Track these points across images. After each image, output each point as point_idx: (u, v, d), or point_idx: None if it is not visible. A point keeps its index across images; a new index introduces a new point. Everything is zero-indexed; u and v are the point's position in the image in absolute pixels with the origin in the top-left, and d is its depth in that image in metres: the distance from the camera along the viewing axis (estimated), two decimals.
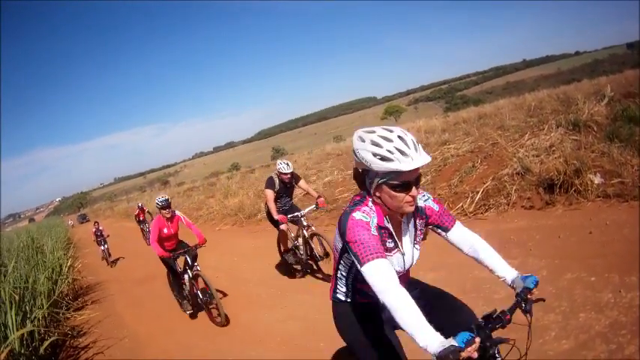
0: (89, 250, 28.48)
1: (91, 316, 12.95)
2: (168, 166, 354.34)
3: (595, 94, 16.93)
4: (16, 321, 9.40)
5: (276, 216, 10.80)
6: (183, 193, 50.51)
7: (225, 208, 26.21)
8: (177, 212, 11.22)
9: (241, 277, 12.77)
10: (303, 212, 11.10)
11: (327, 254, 10.65)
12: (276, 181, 11.13)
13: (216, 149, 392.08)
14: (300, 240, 11.22)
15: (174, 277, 11.02)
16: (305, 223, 11.02)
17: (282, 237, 11.69)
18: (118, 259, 23.13)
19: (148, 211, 28.43)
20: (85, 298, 15.52)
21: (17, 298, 10.34)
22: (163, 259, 10.57)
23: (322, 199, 11.39)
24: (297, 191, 13.27)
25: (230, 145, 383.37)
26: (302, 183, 11.73)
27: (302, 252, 11.24)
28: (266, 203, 11.48)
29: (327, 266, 10.75)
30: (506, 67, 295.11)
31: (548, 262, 7.57)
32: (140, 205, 28.35)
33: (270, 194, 11.10)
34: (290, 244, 11.74)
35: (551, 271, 7.17)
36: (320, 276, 11.07)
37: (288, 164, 11.15)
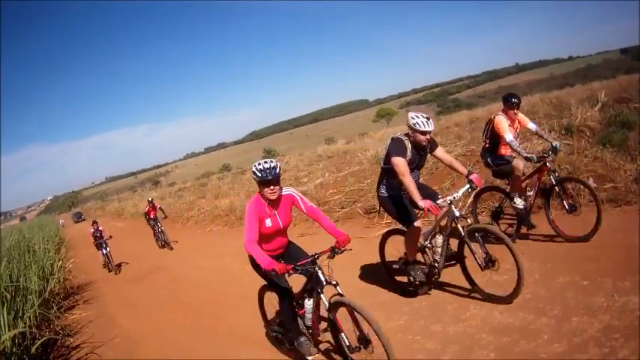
0: (80, 249, 28.45)
1: (83, 315, 12.95)
2: (160, 166, 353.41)
3: (588, 99, 17.02)
4: (7, 320, 9.39)
5: (420, 201, 6.88)
6: (175, 194, 50.48)
7: (216, 208, 26.22)
8: (289, 189, 6.81)
9: (233, 278, 12.69)
10: (456, 195, 7.34)
11: (492, 261, 7.12)
12: (408, 145, 7.41)
13: (208, 150, 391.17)
14: (440, 239, 7.66)
15: (288, 304, 6.86)
16: (457, 213, 7.24)
17: (414, 237, 7.90)
18: (121, 265, 20.13)
19: (160, 208, 23.77)
20: (76, 297, 15.48)
21: (9, 297, 10.32)
22: (267, 274, 6.33)
23: (476, 175, 7.63)
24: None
25: (221, 146, 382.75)
26: (440, 151, 7.87)
27: (437, 257, 7.71)
28: (383, 181, 8.03)
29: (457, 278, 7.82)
30: (498, 71, 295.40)
31: (540, 266, 7.58)
32: (150, 200, 24.08)
33: (402, 164, 7.22)
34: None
35: (543, 275, 7.19)
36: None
37: (428, 119, 7.35)
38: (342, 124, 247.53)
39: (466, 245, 7.26)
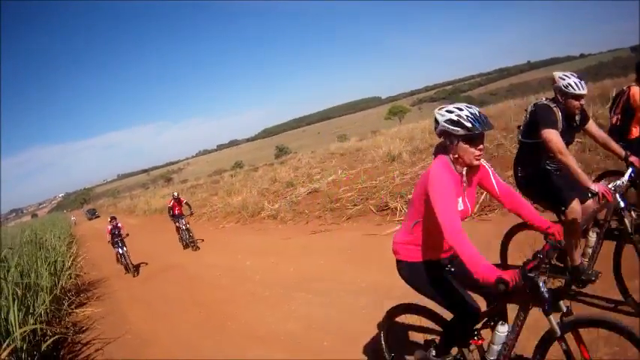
0: (92, 246, 28.50)
1: (94, 312, 12.96)
2: (172, 164, 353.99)
3: (600, 96, 16.94)
4: (18, 317, 9.39)
5: (591, 184, 5.47)
6: (187, 190, 50.59)
7: (229, 205, 26.25)
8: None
9: (244, 276, 12.68)
10: (621, 181, 5.84)
11: None
12: (558, 114, 5.86)
13: (220, 147, 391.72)
14: (594, 237, 6.07)
15: (463, 333, 4.54)
16: (623, 203, 5.74)
17: (574, 229, 5.92)
18: (139, 266, 18.54)
19: (187, 203, 21.73)
20: (87, 294, 15.48)
21: (20, 293, 10.33)
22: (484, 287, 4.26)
23: (635, 157, 6.12)
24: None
25: (234, 144, 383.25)
26: (593, 125, 6.42)
27: (586, 260, 6.15)
28: (526, 160, 6.38)
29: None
30: (510, 69, 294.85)
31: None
32: (176, 195, 21.70)
33: (557, 139, 5.69)
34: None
35: None
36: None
37: (581, 79, 5.94)
38: (354, 121, 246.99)
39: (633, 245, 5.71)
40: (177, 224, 20.74)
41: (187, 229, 20.13)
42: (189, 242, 19.93)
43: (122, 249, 18.34)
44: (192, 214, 22.18)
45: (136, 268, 18.17)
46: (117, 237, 18.68)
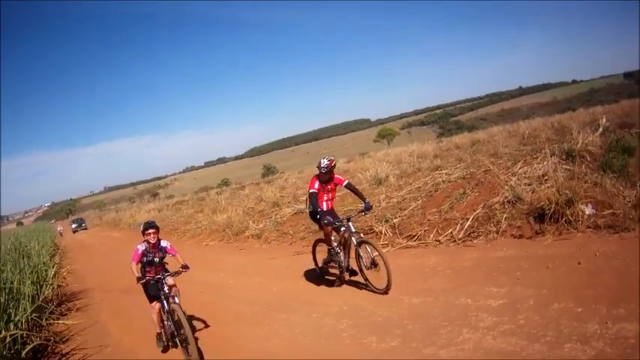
0: (74, 254, 28.40)
1: (75, 323, 12.89)
2: (159, 178, 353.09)
3: (590, 123, 17.08)
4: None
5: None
6: (172, 206, 50.42)
7: (214, 223, 26.14)
8: None
9: (227, 294, 12.69)
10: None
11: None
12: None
13: (208, 164, 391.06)
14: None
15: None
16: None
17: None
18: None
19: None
20: (68, 304, 15.40)
21: (2, 300, 10.33)
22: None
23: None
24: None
25: (221, 161, 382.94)
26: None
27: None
28: None
29: None
30: (501, 94, 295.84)
31: (535, 292, 7.54)
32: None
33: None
34: None
35: (538, 301, 7.16)
36: None
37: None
38: (343, 142, 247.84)
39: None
40: None
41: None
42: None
43: (167, 302, 9.39)
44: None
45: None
46: (158, 270, 9.84)
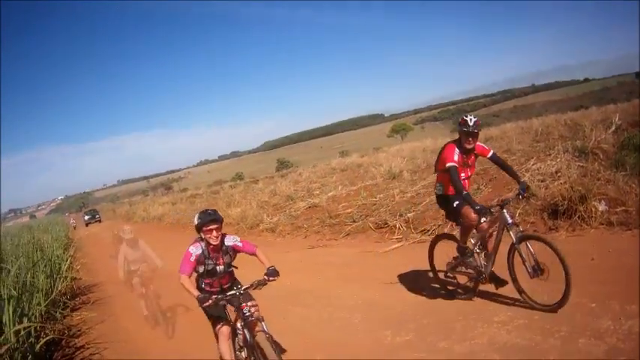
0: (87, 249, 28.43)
1: (89, 316, 12.91)
2: (173, 172, 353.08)
3: (603, 121, 17.01)
4: (13, 317, 9.43)
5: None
6: (186, 200, 50.44)
7: (227, 217, 26.09)
8: None
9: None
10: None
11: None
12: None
13: (221, 157, 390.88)
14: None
15: None
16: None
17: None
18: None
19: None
20: (82, 297, 15.43)
21: (16, 294, 10.36)
22: None
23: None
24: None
25: (235, 155, 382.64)
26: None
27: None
28: None
29: None
30: (514, 91, 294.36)
31: (549, 287, 7.53)
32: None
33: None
34: None
35: (552, 296, 7.13)
36: None
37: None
38: (357, 137, 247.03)
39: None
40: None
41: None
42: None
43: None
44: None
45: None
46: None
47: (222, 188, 54.51)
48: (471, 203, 7.34)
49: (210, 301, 6.24)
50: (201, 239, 6.62)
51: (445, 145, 8.16)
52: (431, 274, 9.30)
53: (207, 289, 6.84)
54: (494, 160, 8.33)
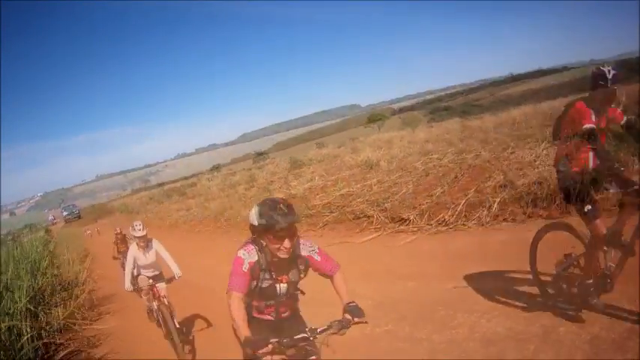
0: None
1: (108, 327, 12.81)
2: (150, 166, 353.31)
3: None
4: (31, 330, 9.60)
5: None
6: (164, 193, 50.36)
7: (206, 209, 26.11)
8: None
9: (219, 281, 12.58)
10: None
11: None
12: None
13: (199, 150, 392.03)
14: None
15: None
16: None
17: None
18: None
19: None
20: (101, 308, 15.29)
21: (32, 309, 10.61)
22: None
23: None
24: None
25: (212, 147, 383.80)
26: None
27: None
28: None
29: None
30: (494, 80, 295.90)
31: (527, 275, 7.50)
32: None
33: None
34: None
35: (532, 284, 7.10)
36: None
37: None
38: (333, 128, 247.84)
39: None
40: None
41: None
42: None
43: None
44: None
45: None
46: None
47: (199, 180, 54.35)
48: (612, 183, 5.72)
49: (266, 349, 3.70)
50: (257, 242, 4.30)
51: (573, 103, 6.01)
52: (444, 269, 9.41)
53: (256, 314, 4.61)
54: (630, 126, 5.88)
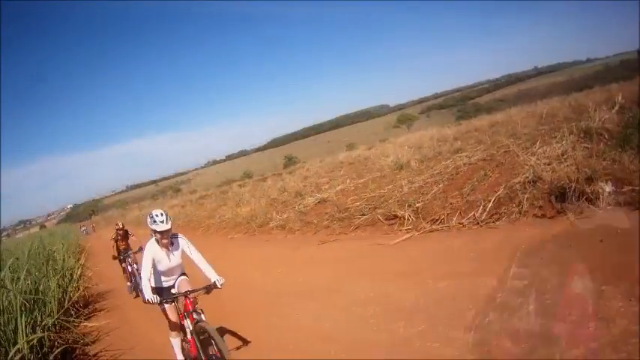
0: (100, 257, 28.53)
1: (103, 324, 12.93)
2: (181, 174, 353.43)
3: (606, 101, 16.92)
4: (25, 327, 9.53)
5: None
6: (196, 201, 50.46)
7: (237, 216, 26.19)
8: None
9: (253, 286, 12.72)
10: None
11: None
12: None
13: (229, 157, 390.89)
14: None
15: None
16: None
17: None
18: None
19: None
20: (96, 305, 15.46)
21: (28, 305, 10.36)
22: None
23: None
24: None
25: (243, 153, 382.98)
26: None
27: None
28: None
29: None
30: (518, 75, 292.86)
31: (559, 271, 7.51)
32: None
33: None
34: None
35: (562, 280, 7.12)
36: None
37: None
38: (363, 129, 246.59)
39: None
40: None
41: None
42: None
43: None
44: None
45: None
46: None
47: (230, 188, 54.40)
48: None
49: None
50: None
51: None
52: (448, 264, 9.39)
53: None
54: None
